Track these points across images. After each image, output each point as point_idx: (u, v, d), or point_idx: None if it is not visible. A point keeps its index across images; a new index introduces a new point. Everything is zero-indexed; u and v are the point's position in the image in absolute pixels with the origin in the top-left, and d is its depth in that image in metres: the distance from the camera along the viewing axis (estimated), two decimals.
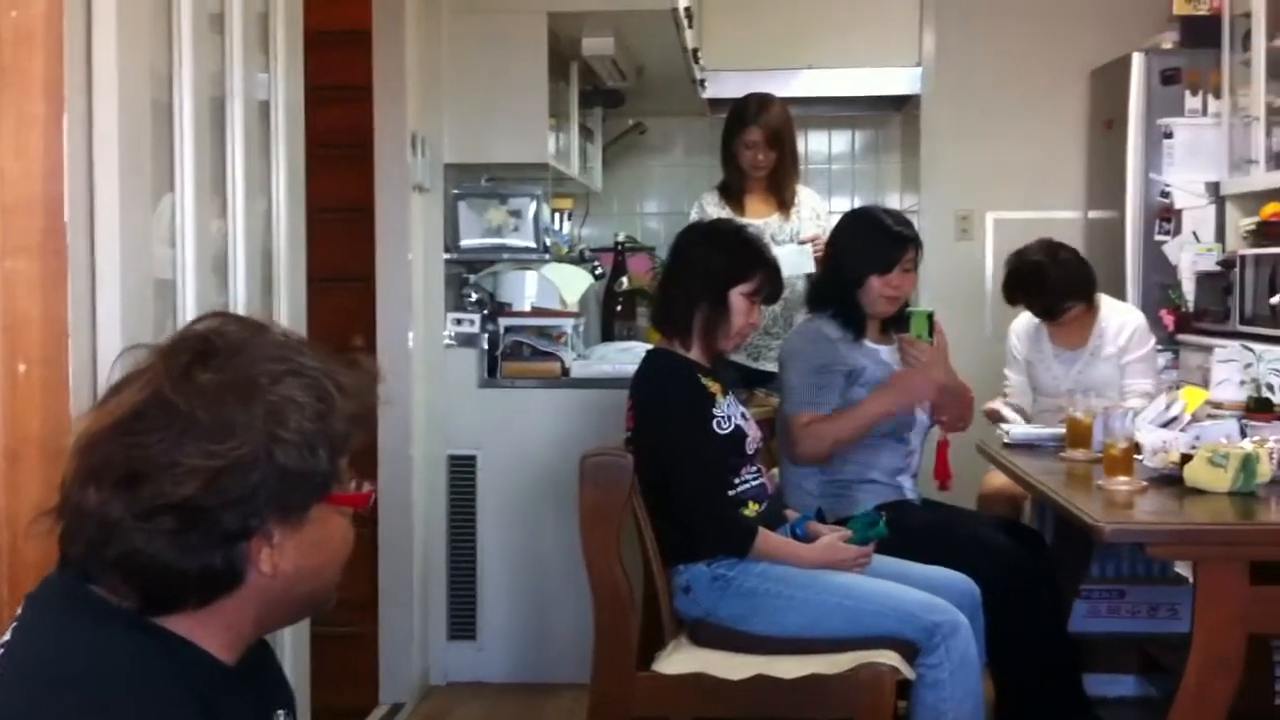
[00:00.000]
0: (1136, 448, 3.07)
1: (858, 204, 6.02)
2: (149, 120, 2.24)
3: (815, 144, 6.19)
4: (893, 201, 6.12)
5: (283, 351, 1.27)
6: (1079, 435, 3.40)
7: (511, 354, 4.20)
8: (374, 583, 3.97)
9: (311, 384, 1.25)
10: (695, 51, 5.06)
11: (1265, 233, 4.64)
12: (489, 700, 4.07)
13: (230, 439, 1.20)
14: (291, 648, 2.68)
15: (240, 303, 2.63)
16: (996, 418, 4.08)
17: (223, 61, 2.59)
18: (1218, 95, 5.08)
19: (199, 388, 1.21)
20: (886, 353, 3.40)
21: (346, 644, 3.85)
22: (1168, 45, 5.21)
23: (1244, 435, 3.22)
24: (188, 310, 2.36)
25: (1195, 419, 3.44)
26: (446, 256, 4.17)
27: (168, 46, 2.33)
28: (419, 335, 4.05)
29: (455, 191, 4.19)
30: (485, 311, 4.21)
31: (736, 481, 2.95)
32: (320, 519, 1.28)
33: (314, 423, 1.24)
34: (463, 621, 4.21)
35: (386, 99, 3.94)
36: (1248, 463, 2.81)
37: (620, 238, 4.97)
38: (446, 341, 4.17)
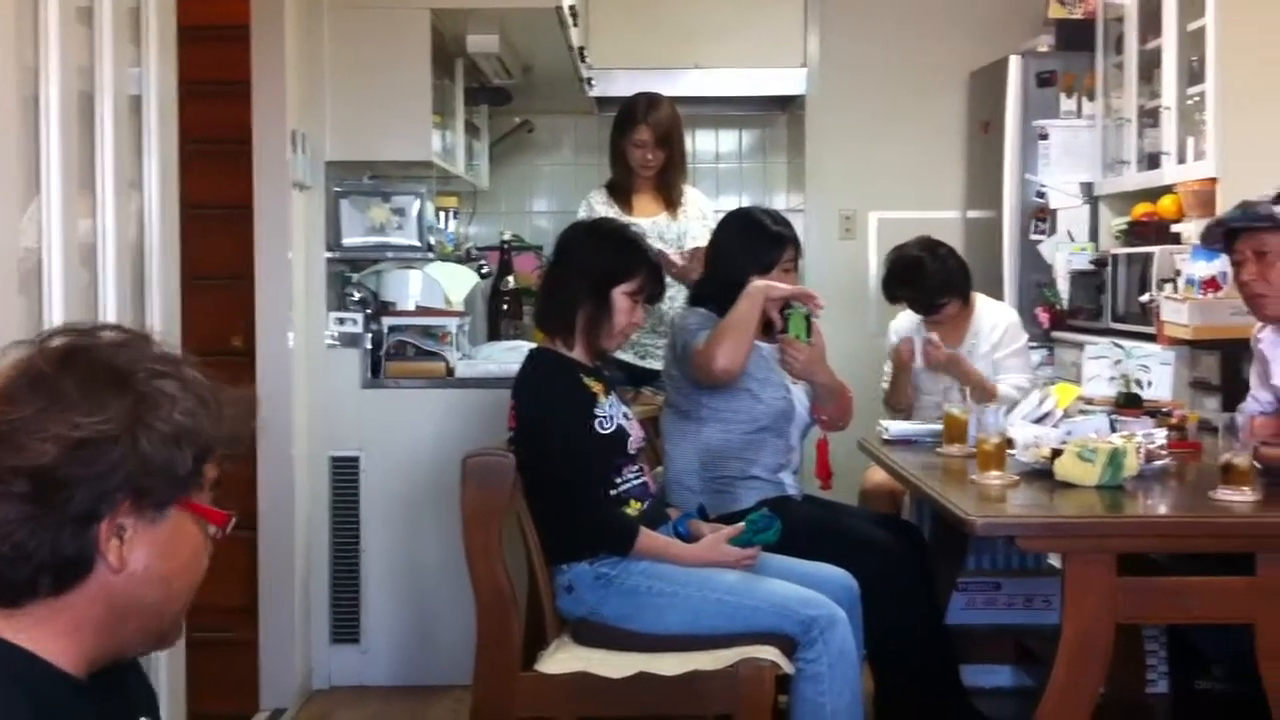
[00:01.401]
0: (1009, 443, 3.14)
1: (745, 203, 6.07)
2: (15, 115, 2.19)
3: (703, 143, 6.23)
4: (779, 201, 6.19)
5: (167, 359, 1.28)
6: (955, 431, 3.47)
7: (395, 354, 4.16)
8: (254, 587, 3.90)
9: (189, 386, 1.26)
10: (582, 50, 5.06)
11: (1136, 232, 4.77)
12: (373, 704, 4.03)
13: (98, 414, 1.20)
14: (168, 654, 2.63)
15: (111, 301, 2.58)
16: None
17: (92, 55, 2.54)
18: (1091, 98, 5.22)
19: (76, 369, 1.23)
20: (769, 350, 3.43)
21: (226, 650, 3.79)
22: (1043, 49, 5.34)
23: (1113, 430, 3.30)
24: (54, 309, 2.31)
25: (1067, 414, 3.52)
26: (328, 255, 4.12)
27: (34, 39, 2.27)
28: (300, 335, 3.99)
29: (337, 189, 4.14)
30: (368, 311, 4.16)
31: (618, 481, 2.96)
32: (176, 523, 1.27)
33: (185, 418, 1.24)
34: (346, 624, 4.16)
35: (265, 95, 3.87)
36: (1115, 457, 2.88)
37: (506, 236, 4.96)
38: (329, 341, 4.12)
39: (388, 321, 4.16)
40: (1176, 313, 4.05)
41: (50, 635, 1.23)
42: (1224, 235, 3.04)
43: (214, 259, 3.98)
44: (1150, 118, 4.79)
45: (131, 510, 1.23)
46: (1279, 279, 2.93)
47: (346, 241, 4.13)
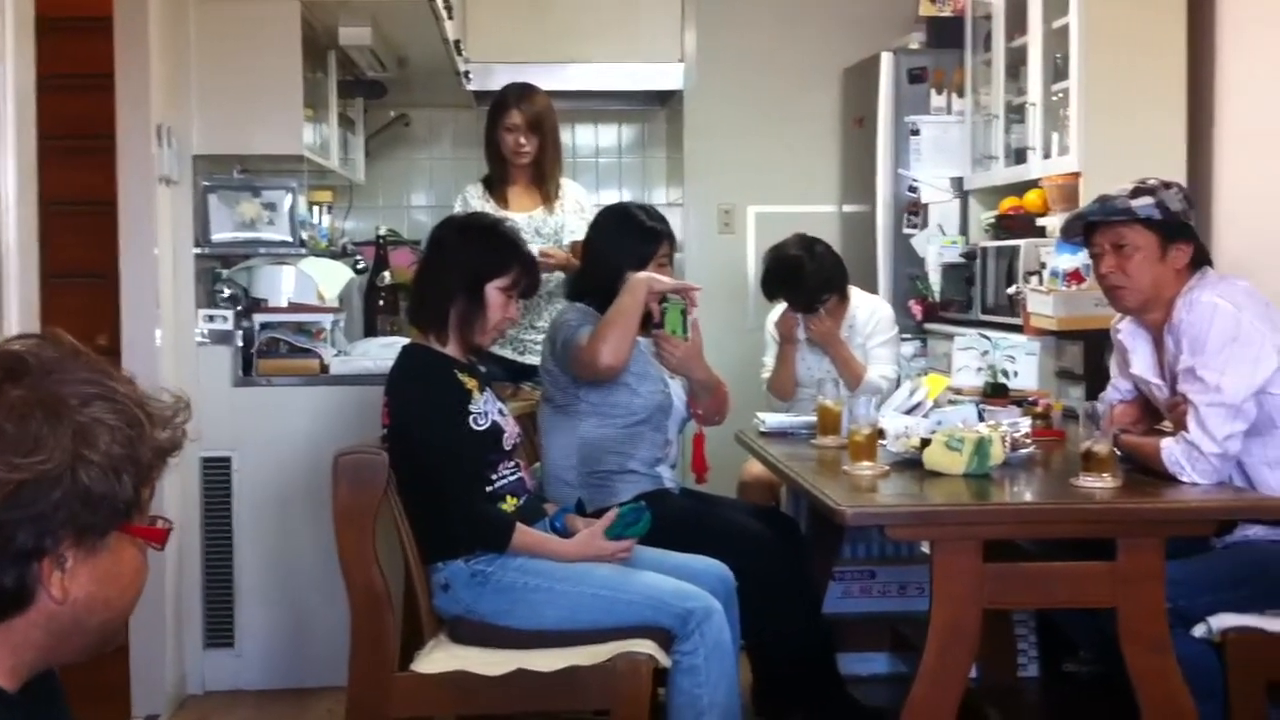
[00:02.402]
0: (881, 434, 3.19)
1: (625, 197, 6.09)
2: None
3: (582, 137, 6.23)
4: (658, 195, 6.21)
5: (95, 376, 1.26)
6: (829, 422, 3.51)
7: (268, 351, 4.09)
8: None
9: (122, 410, 1.25)
10: (458, 43, 5.02)
11: (1003, 226, 4.88)
12: (248, 708, 3.96)
13: (36, 454, 1.19)
14: None
15: None
16: None
17: None
18: (961, 94, 5.31)
19: (8, 402, 1.20)
20: (646, 344, 3.44)
21: (97, 657, 3.69)
22: (914, 46, 5.42)
23: (981, 419, 3.38)
24: None
25: (937, 405, 3.59)
26: (197, 251, 4.03)
27: None
28: (168, 333, 3.90)
29: (206, 184, 4.05)
30: (239, 308, 4.08)
31: (494, 477, 2.95)
32: (116, 548, 1.27)
33: (122, 448, 1.23)
34: (220, 628, 4.08)
35: (129, 88, 3.77)
36: (981, 446, 2.95)
37: (382, 231, 4.90)
38: (199, 339, 4.04)
39: (259, 318, 4.09)
40: (1041, 304, 4.14)
41: None
42: (1083, 229, 3.11)
43: (77, 257, 3.88)
44: (1017, 114, 4.89)
45: (73, 544, 1.22)
46: (1136, 271, 3.00)
47: (216, 237, 4.05)
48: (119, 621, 1.31)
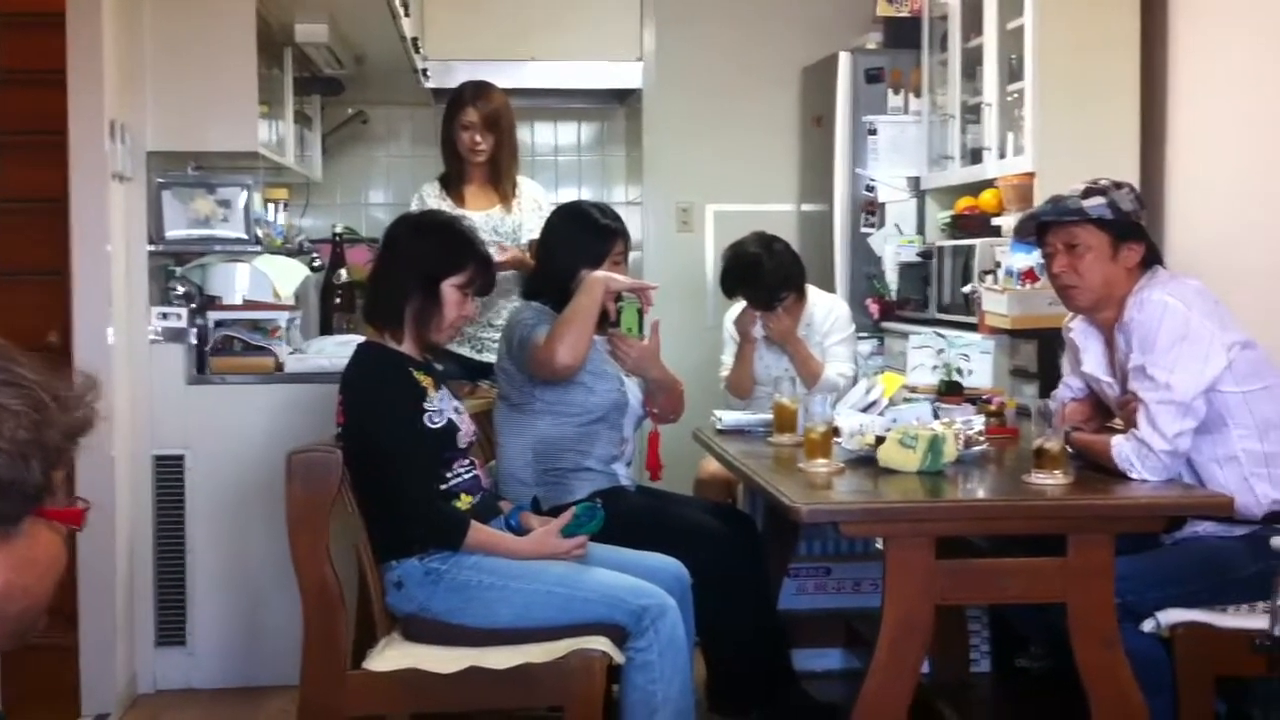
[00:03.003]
0: (836, 431, 3.20)
1: (584, 196, 6.09)
2: None
3: (541, 136, 6.22)
4: (617, 193, 6.22)
5: None
6: (785, 420, 3.52)
7: (222, 349, 4.06)
8: (73, 590, 3.78)
9: (27, 394, 1.22)
10: (415, 41, 5.01)
11: (959, 225, 4.91)
12: (200, 706, 3.93)
13: None
14: None
15: None
16: None
17: None
18: (918, 94, 5.34)
19: None
20: (601, 343, 3.44)
21: (45, 656, 3.66)
22: (872, 46, 5.45)
23: (936, 417, 3.40)
24: None
25: (893, 403, 3.61)
26: (151, 248, 4.00)
27: None
28: (121, 331, 3.87)
29: (160, 180, 4.02)
30: (193, 305, 4.06)
31: (449, 475, 2.94)
32: (31, 534, 1.24)
33: (28, 432, 1.20)
34: (172, 626, 4.05)
35: (82, 84, 3.73)
36: (935, 444, 2.96)
37: (338, 229, 4.88)
38: (152, 337, 4.00)
39: (213, 316, 4.06)
40: (996, 303, 4.17)
41: None
42: (1036, 229, 3.14)
43: (29, 254, 3.84)
44: (973, 114, 4.92)
45: None
46: (1088, 271, 3.02)
47: (170, 234, 4.02)
48: (39, 608, 1.29)
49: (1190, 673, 2.83)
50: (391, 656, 2.82)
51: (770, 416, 3.66)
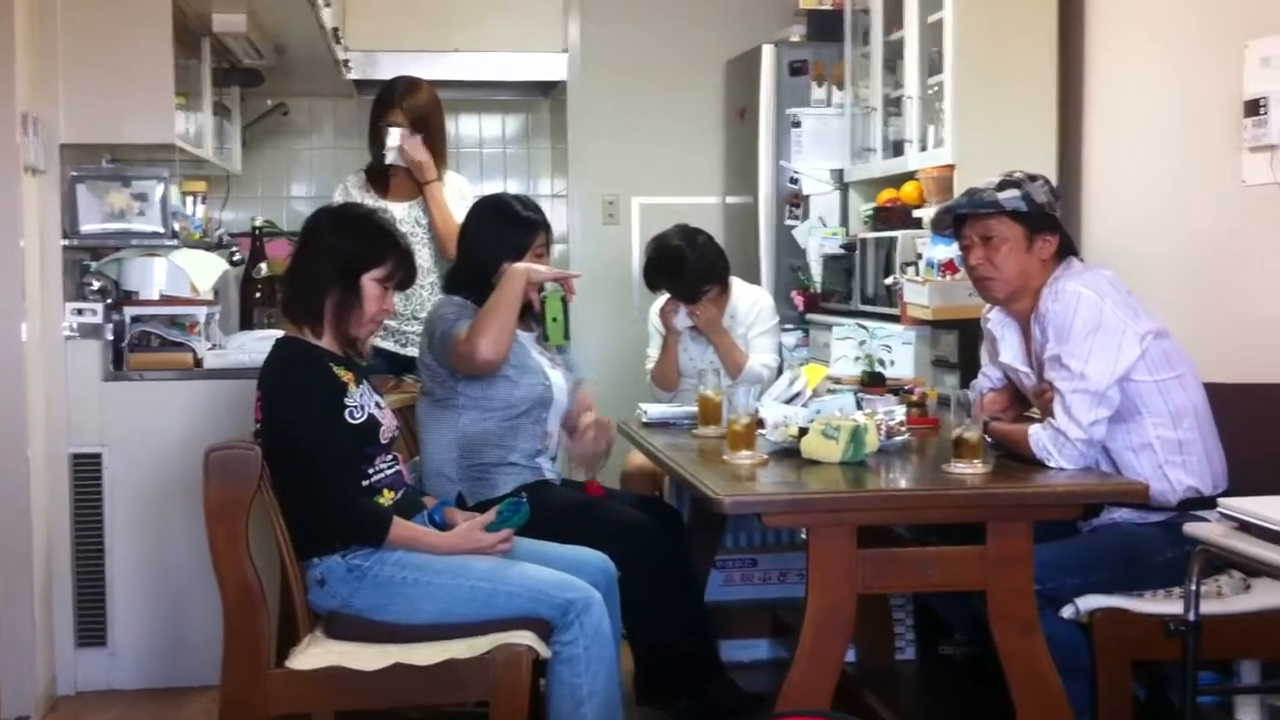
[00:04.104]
0: (760, 423, 3.22)
1: (510, 188, 6.07)
2: None
3: (466, 128, 6.20)
4: (543, 186, 6.20)
5: None
6: (709, 412, 3.53)
7: (139, 345, 3.99)
8: None
9: None
10: (336, 31, 4.96)
11: (882, 217, 4.95)
12: (121, 708, 3.87)
13: None
14: None
15: None
16: None
17: None
18: (841, 86, 5.37)
19: None
20: (525, 337, 3.43)
21: None
22: (795, 38, 5.47)
23: (860, 407, 3.42)
24: None
25: (817, 394, 3.63)
26: (65, 243, 3.93)
27: None
28: (34, 327, 3.80)
29: (74, 173, 3.94)
30: (109, 301, 3.99)
31: (371, 471, 2.91)
32: None
33: None
34: (92, 627, 3.99)
35: None
36: (856, 434, 2.99)
37: (258, 222, 4.82)
38: (67, 333, 3.93)
39: (130, 311, 4.00)
40: (918, 294, 4.21)
41: None
42: (953, 221, 3.17)
43: None
44: (895, 106, 4.96)
45: None
46: (1004, 262, 3.06)
47: (84, 228, 3.95)
48: None
49: (1108, 657, 2.88)
50: (314, 654, 2.79)
51: (695, 409, 3.67)
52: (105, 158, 4.09)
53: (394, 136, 4.25)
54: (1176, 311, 3.50)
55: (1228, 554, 2.34)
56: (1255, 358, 3.45)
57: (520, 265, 3.30)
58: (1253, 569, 2.51)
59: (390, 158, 4.26)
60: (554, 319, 3.38)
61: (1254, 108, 3.43)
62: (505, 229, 3.41)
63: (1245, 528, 2.30)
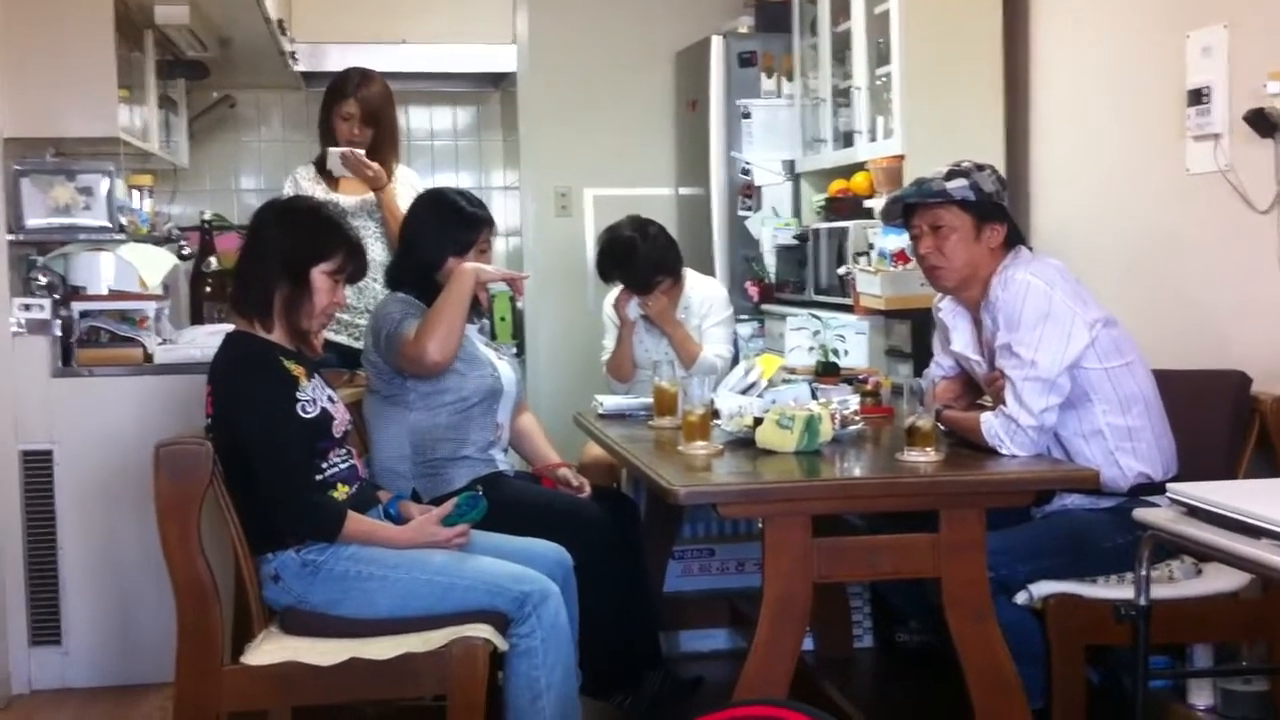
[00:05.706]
0: (715, 414, 3.23)
1: (461, 181, 6.05)
2: None
3: (417, 120, 6.17)
4: (495, 178, 6.19)
5: None
6: (665, 403, 3.54)
7: (88, 340, 3.95)
8: None
9: None
10: (281, 23, 4.92)
11: (833, 208, 4.97)
12: (76, 706, 3.83)
13: None
14: None
15: None
16: None
17: None
18: (790, 78, 5.39)
19: None
20: (472, 331, 3.42)
21: None
22: (744, 30, 5.48)
23: (814, 397, 3.44)
24: None
25: (772, 384, 3.65)
26: (10, 238, 3.87)
27: None
28: None
29: (17, 168, 3.89)
30: (57, 296, 3.94)
31: (324, 465, 2.89)
32: None
33: None
34: (45, 625, 3.94)
35: None
36: (811, 424, 3.00)
37: (207, 216, 4.78)
38: (14, 329, 3.88)
39: (78, 307, 3.95)
40: (870, 284, 4.24)
41: None
42: (902, 211, 3.19)
43: None
44: (844, 97, 4.97)
45: None
46: (953, 251, 3.09)
47: (29, 223, 3.89)
48: None
49: (1061, 643, 2.91)
50: (269, 650, 2.78)
51: (651, 400, 3.67)
52: (49, 151, 4.03)
53: (334, 159, 4.22)
54: (1123, 299, 3.54)
55: (1176, 539, 2.37)
56: (1200, 344, 3.49)
57: (469, 265, 3.29)
58: (1202, 554, 2.54)
59: (336, 172, 4.23)
60: (502, 318, 3.38)
61: (1196, 97, 3.47)
62: (450, 225, 3.40)
63: (1194, 513, 2.33)
